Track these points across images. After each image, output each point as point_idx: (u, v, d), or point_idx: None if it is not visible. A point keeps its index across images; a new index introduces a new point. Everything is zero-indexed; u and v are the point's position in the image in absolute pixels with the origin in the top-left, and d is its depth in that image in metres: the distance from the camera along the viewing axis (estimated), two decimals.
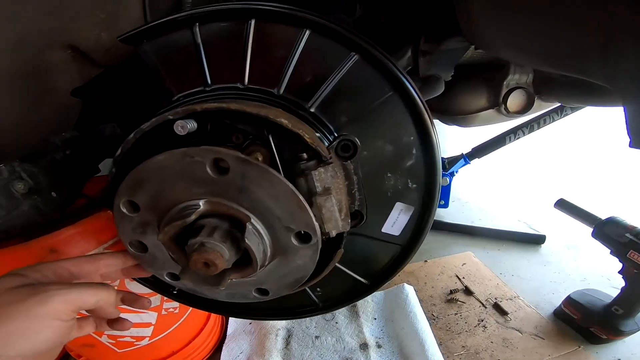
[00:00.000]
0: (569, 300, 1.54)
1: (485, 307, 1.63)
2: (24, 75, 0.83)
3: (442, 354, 1.31)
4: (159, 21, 0.56)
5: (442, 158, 2.12)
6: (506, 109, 1.11)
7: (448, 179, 1.97)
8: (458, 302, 1.66)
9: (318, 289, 0.71)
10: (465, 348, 1.44)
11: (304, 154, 0.54)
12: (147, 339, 1.06)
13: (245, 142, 0.57)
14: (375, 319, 1.47)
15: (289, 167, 0.55)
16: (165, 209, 0.51)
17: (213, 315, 1.32)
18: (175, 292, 0.69)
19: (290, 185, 0.48)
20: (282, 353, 1.30)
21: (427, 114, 0.59)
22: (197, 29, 0.56)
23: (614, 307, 1.41)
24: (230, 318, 1.44)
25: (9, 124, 0.86)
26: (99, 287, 0.49)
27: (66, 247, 0.70)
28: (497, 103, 1.12)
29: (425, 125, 0.59)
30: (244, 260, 0.52)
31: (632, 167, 3.03)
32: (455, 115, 1.19)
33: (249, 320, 1.40)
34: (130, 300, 0.56)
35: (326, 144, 0.57)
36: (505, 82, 1.08)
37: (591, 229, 1.45)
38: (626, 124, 0.44)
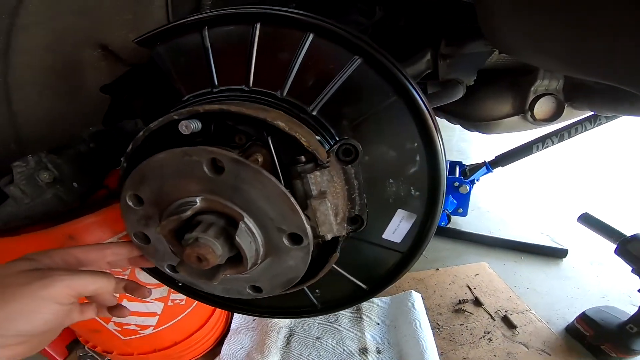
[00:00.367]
0: (583, 317, 1.48)
1: (494, 320, 1.58)
2: (59, 72, 0.90)
3: None
4: (170, 25, 0.58)
5: (463, 165, 2.06)
6: (533, 116, 1.05)
7: (468, 187, 1.90)
8: (465, 313, 1.62)
9: (317, 291, 0.71)
10: None
11: (302, 157, 0.54)
12: (152, 328, 1.10)
13: (247, 144, 0.58)
14: (378, 324, 1.45)
15: (287, 169, 0.56)
16: (166, 203, 0.53)
17: (218, 309, 1.35)
18: (180, 284, 0.72)
19: (282, 187, 0.48)
20: (282, 351, 1.31)
21: (432, 120, 0.58)
22: (206, 33, 0.58)
23: (629, 325, 1.35)
24: (235, 313, 1.48)
25: (44, 117, 0.93)
26: (99, 275, 0.52)
27: (83, 234, 0.76)
28: (523, 110, 1.07)
29: (429, 132, 0.58)
30: (239, 258, 0.53)
31: None
32: (478, 122, 1.14)
33: (254, 317, 1.43)
34: (132, 288, 0.59)
35: (327, 147, 0.57)
36: (532, 88, 1.03)
37: (615, 246, 1.38)
38: None
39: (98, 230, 0.78)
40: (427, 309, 1.54)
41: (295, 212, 0.49)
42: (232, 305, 0.75)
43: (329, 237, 0.56)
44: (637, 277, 1.33)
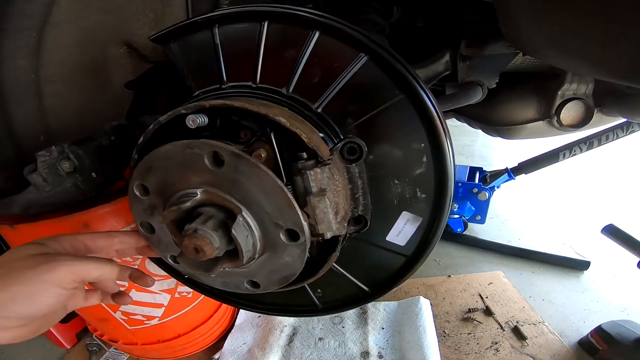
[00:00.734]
0: (598, 330, 1.41)
1: (503, 330, 1.52)
2: (88, 68, 0.95)
3: None
4: (184, 22, 0.60)
5: (484, 171, 1.99)
6: (559, 121, 1.00)
7: (487, 194, 1.83)
8: (474, 322, 1.56)
9: (319, 290, 0.70)
10: None
11: (303, 154, 0.54)
12: (157, 319, 1.13)
13: (251, 139, 0.59)
14: (383, 328, 1.42)
15: (289, 165, 0.56)
16: (169, 194, 0.55)
17: (224, 305, 1.37)
18: (186, 276, 0.73)
19: (279, 181, 0.49)
20: (283, 350, 1.31)
21: (440, 120, 0.56)
22: (217, 30, 0.60)
23: None
24: (241, 309, 1.48)
25: (72, 112, 0.98)
26: (103, 262, 0.54)
27: (98, 223, 0.79)
28: (548, 114, 1.02)
29: (437, 132, 0.56)
30: (236, 251, 0.54)
31: None
32: (500, 126, 1.10)
33: (258, 314, 1.43)
34: (137, 277, 0.61)
35: (331, 145, 0.57)
36: (559, 92, 0.98)
37: (638, 259, 1.30)
38: None
39: (112, 219, 0.82)
40: (434, 316, 1.51)
41: (292, 207, 0.49)
42: (235, 299, 0.76)
43: (328, 235, 0.56)
44: None
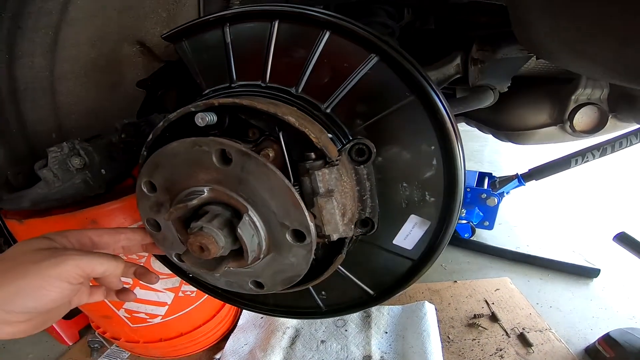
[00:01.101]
0: (606, 338, 1.38)
1: (509, 337, 1.50)
2: (100, 66, 0.96)
3: None
4: (194, 21, 0.61)
5: (493, 177, 1.96)
6: (572, 127, 0.98)
7: (497, 200, 1.81)
8: (480, 328, 1.54)
9: (323, 293, 0.70)
10: None
11: (312, 154, 0.54)
12: (160, 317, 1.13)
13: (260, 138, 0.59)
14: (386, 332, 1.41)
15: (297, 165, 0.55)
16: (176, 191, 0.55)
17: (227, 305, 1.36)
18: (190, 275, 0.73)
19: (286, 180, 0.48)
20: (285, 352, 1.30)
21: (452, 122, 0.55)
22: (227, 29, 0.60)
23: None
24: (244, 310, 1.48)
25: (85, 109, 0.99)
26: (108, 257, 0.54)
27: (105, 219, 0.80)
28: (561, 119, 1.00)
29: (448, 134, 0.55)
30: (241, 251, 0.53)
31: None
32: (511, 131, 1.08)
33: (261, 315, 1.42)
34: (141, 273, 0.61)
35: (339, 146, 0.56)
36: (573, 97, 0.96)
37: None
38: None
39: (120, 216, 0.82)
40: (439, 322, 1.49)
41: (298, 207, 0.49)
42: (238, 299, 0.76)
43: (334, 237, 0.55)
44: None
